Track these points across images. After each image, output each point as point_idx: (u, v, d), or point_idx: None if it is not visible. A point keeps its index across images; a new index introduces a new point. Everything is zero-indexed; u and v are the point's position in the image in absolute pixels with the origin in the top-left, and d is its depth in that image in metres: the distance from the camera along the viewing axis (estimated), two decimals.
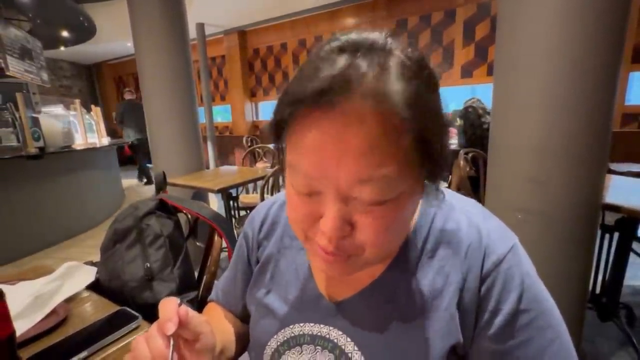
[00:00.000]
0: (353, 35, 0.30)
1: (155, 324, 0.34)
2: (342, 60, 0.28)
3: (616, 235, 1.50)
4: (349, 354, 0.40)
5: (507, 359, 0.34)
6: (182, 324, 0.33)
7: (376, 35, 0.30)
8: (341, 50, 0.29)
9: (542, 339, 0.34)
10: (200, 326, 0.36)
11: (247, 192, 2.85)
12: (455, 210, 0.40)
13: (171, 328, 0.32)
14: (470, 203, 0.42)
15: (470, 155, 2.01)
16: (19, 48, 3.83)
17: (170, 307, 0.34)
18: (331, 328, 0.41)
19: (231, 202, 2.42)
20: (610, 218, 1.46)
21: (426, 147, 0.29)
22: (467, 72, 4.07)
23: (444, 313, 0.36)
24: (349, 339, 0.40)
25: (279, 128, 0.31)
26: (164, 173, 0.93)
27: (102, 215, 3.65)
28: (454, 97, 4.18)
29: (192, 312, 0.35)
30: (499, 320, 0.34)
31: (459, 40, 4.06)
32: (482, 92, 3.83)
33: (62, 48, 5.90)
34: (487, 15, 3.82)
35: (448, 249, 0.37)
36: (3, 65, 3.59)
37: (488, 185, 1.37)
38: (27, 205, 2.83)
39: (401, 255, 0.39)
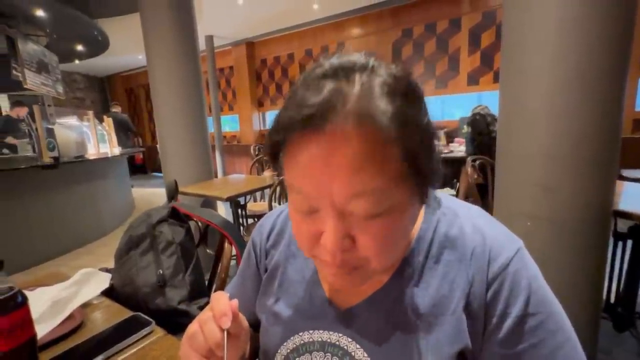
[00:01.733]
0: (335, 60, 0.32)
1: (208, 312, 0.36)
2: (326, 86, 0.29)
3: (630, 242, 1.47)
4: None
5: None
6: (233, 319, 0.35)
7: (358, 57, 0.32)
8: (325, 76, 0.31)
9: (553, 342, 0.34)
10: (243, 321, 0.39)
11: (255, 200, 2.87)
12: (459, 217, 0.40)
13: (227, 322, 0.34)
14: (474, 209, 0.43)
15: (478, 162, 2.01)
16: (36, 62, 3.97)
17: (224, 301, 0.36)
18: (340, 335, 0.42)
19: (239, 210, 2.44)
20: (623, 225, 1.43)
21: (414, 160, 0.30)
22: (473, 80, 4.07)
23: (451, 318, 0.36)
24: (358, 346, 0.40)
25: (275, 152, 0.33)
26: (175, 182, 0.96)
27: (114, 223, 3.71)
28: (460, 104, 4.18)
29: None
30: (507, 324, 0.34)
31: (464, 48, 4.08)
32: (489, 100, 3.82)
33: (77, 61, 6.11)
34: (493, 24, 3.84)
35: (452, 254, 0.38)
36: (21, 78, 3.72)
37: (496, 192, 1.36)
38: (42, 213, 2.90)
39: (406, 261, 0.39)
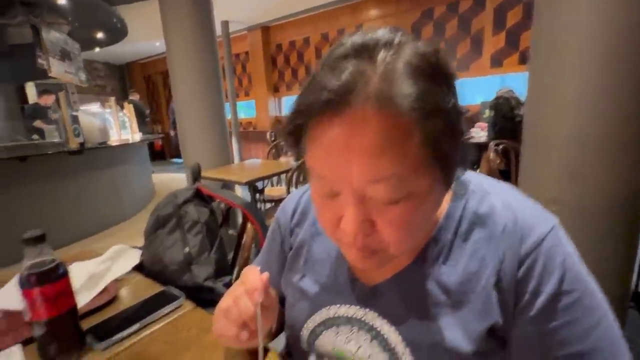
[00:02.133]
0: (358, 38, 0.30)
1: (240, 287, 0.38)
2: (347, 68, 0.28)
3: None
4: (385, 335, 0.41)
5: (551, 340, 0.34)
6: (264, 292, 0.37)
7: (383, 33, 0.30)
8: (346, 56, 0.30)
9: (589, 320, 0.33)
10: (273, 294, 0.40)
11: (272, 185, 2.90)
12: (489, 194, 0.39)
13: (259, 297, 0.36)
14: (505, 187, 0.42)
15: (501, 147, 1.94)
16: (59, 50, 4.08)
17: (256, 275, 0.37)
18: (367, 310, 0.43)
19: (257, 195, 2.48)
20: None
21: (437, 145, 0.29)
22: (497, 62, 3.90)
23: (480, 294, 0.36)
24: (385, 321, 0.41)
25: (296, 136, 0.33)
26: (198, 164, 0.98)
27: (136, 207, 3.84)
28: (482, 87, 4.03)
29: None
30: (540, 301, 0.34)
31: (488, 28, 3.89)
32: (513, 82, 3.67)
33: (97, 49, 6.22)
34: (519, 1, 3.63)
35: (482, 232, 0.37)
36: (46, 67, 3.84)
37: (522, 177, 1.32)
38: (68, 197, 3.03)
39: (433, 240, 0.39)
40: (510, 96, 2.44)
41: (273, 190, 2.58)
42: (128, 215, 3.68)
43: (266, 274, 0.37)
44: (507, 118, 2.32)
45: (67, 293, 0.50)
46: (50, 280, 0.47)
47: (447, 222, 0.39)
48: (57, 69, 3.96)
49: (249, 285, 0.37)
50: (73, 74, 4.41)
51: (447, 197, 0.40)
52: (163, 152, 8.17)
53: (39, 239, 0.47)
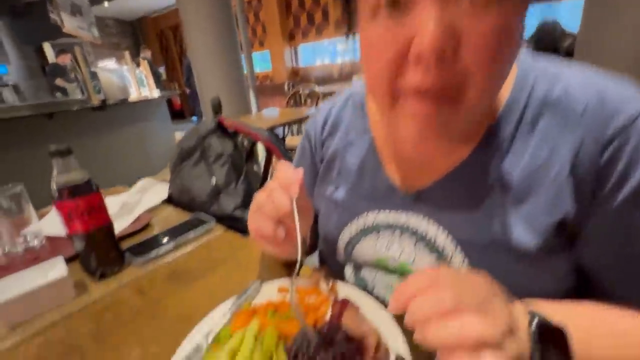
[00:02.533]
0: None
1: (274, 182, 0.35)
2: None
3: None
4: (431, 238, 0.38)
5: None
6: (300, 189, 0.34)
7: None
8: None
9: None
10: (308, 196, 0.38)
11: (293, 134, 2.86)
12: (562, 77, 0.33)
13: (295, 189, 0.33)
14: (582, 67, 0.34)
15: None
16: (69, 4, 3.97)
17: (291, 170, 0.34)
18: (410, 214, 0.39)
19: None
20: None
21: None
22: None
23: (550, 186, 0.31)
24: (431, 221, 0.38)
25: None
26: (218, 97, 0.93)
27: (160, 164, 3.94)
28: None
29: None
30: (631, 186, 0.29)
31: None
32: (556, 13, 3.25)
33: (106, 3, 6.03)
34: None
35: (553, 119, 0.32)
36: (59, 22, 3.77)
37: None
38: (94, 153, 3.12)
39: (492, 131, 0.34)
40: (554, 27, 2.17)
41: (294, 140, 2.54)
42: (153, 171, 3.79)
43: (301, 169, 0.34)
44: (550, 50, 2.09)
45: (101, 208, 0.50)
46: (83, 194, 0.47)
47: (509, 111, 0.33)
48: (69, 24, 3.89)
49: (283, 180, 0.34)
50: (85, 29, 4.33)
51: (510, 82, 0.34)
52: (182, 111, 8.20)
53: (66, 152, 0.46)
